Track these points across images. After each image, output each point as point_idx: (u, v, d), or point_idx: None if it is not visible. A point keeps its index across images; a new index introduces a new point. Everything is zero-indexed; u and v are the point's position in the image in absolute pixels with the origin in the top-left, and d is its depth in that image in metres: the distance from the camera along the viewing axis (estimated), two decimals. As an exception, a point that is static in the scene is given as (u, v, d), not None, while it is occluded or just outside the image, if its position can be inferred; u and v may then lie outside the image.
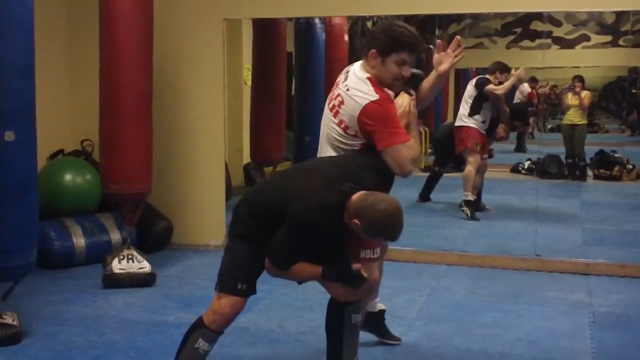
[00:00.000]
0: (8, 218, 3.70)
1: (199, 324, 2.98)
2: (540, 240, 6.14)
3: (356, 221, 2.71)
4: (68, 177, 5.53)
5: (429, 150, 9.91)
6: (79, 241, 5.31)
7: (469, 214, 7.06)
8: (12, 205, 3.70)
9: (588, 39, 10.69)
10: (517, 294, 4.82)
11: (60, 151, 5.92)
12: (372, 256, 3.14)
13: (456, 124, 7.40)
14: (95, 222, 5.48)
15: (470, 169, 7.20)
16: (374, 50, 3.03)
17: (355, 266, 2.86)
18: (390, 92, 3.09)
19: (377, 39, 3.09)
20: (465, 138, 7.23)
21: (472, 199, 7.18)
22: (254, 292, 2.99)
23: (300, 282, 3.07)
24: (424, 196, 7.98)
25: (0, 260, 3.70)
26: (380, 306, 3.76)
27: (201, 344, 2.94)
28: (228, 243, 3.03)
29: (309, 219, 2.76)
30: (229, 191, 6.76)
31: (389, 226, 2.74)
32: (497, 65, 7.31)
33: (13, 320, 3.83)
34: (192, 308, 4.25)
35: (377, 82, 3.04)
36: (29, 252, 3.84)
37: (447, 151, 7.90)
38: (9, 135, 3.63)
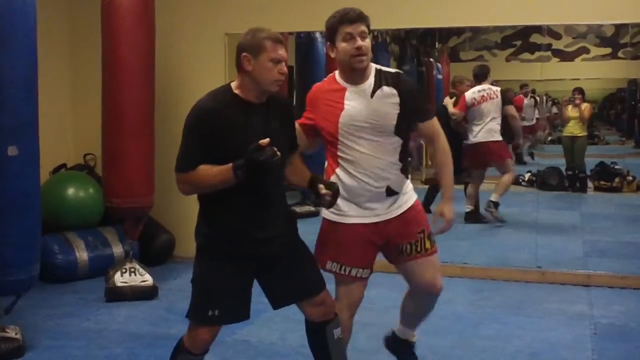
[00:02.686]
0: (11, 232, 3.72)
1: (180, 348, 2.90)
2: (541, 252, 6.14)
3: (245, 55, 2.73)
4: (71, 191, 5.56)
5: (430, 163, 9.93)
6: (82, 255, 5.33)
7: (495, 215, 7.25)
8: (15, 220, 3.73)
9: (587, 51, 10.73)
10: (518, 306, 4.84)
11: (63, 165, 5.95)
12: (336, 270, 3.08)
13: (494, 138, 7.43)
14: (98, 235, 5.50)
15: (511, 177, 7.51)
16: (328, 43, 3.03)
17: (263, 141, 2.60)
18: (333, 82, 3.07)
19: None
20: (505, 151, 7.51)
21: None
22: (240, 315, 2.88)
23: (211, 190, 2.77)
24: (425, 208, 7.98)
25: (3, 274, 3.72)
26: (413, 337, 3.57)
27: None
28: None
29: (192, 111, 2.80)
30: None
31: (260, 30, 2.76)
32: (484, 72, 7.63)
33: (16, 334, 3.85)
34: (194, 321, 4.26)
35: (336, 73, 3.07)
36: (32, 266, 3.87)
37: None
38: (12, 150, 3.66)
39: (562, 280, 5.40)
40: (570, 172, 10.05)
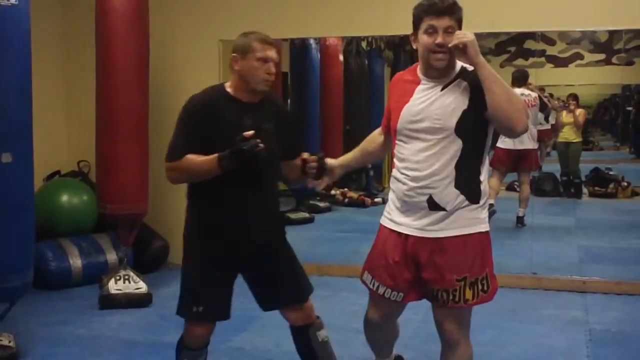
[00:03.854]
0: (5, 239, 3.71)
1: (180, 345, 3.02)
2: (536, 258, 6.14)
3: (234, 55, 2.87)
4: (64, 197, 5.55)
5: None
6: (76, 262, 5.31)
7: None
8: (9, 226, 3.72)
9: (581, 57, 10.76)
10: (513, 312, 4.83)
11: (57, 172, 5.94)
12: (368, 282, 2.89)
13: (533, 146, 7.63)
14: (92, 242, 5.48)
15: (529, 188, 7.79)
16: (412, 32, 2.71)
17: (248, 133, 2.68)
18: (410, 74, 2.79)
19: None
20: (537, 160, 7.85)
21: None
22: (220, 315, 2.95)
23: (196, 180, 2.87)
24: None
25: (-4, 281, 3.71)
26: None
27: None
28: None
29: (186, 104, 2.93)
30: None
31: (251, 33, 2.89)
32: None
33: (9, 342, 3.84)
34: (189, 328, 4.25)
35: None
36: (26, 272, 3.85)
37: None
38: (7, 157, 3.65)
39: (558, 286, 5.40)
40: (565, 178, 10.07)
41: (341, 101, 8.87)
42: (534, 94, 7.71)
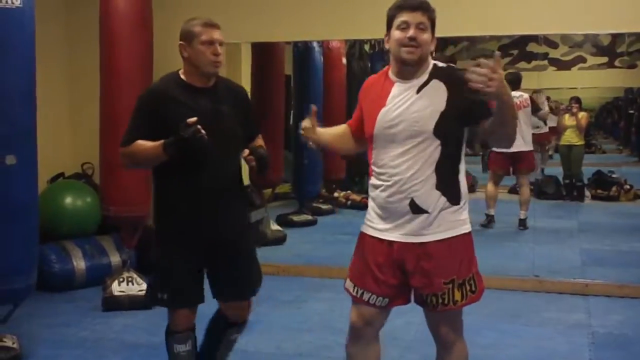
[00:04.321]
0: (8, 241, 3.71)
1: (167, 330, 3.04)
2: (538, 261, 6.14)
3: (181, 42, 2.92)
4: (68, 200, 5.56)
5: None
6: (79, 264, 5.32)
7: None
8: (13, 228, 3.72)
9: (584, 60, 10.79)
10: (515, 315, 4.83)
11: (61, 174, 5.95)
12: (350, 289, 2.80)
13: (529, 148, 7.66)
14: (95, 244, 5.49)
15: (529, 190, 7.89)
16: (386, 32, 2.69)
17: (191, 120, 2.71)
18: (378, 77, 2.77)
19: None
20: (534, 161, 7.90)
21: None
22: (187, 302, 2.97)
23: (148, 166, 3.03)
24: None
25: (0, 283, 3.71)
26: None
27: (177, 348, 3.00)
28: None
29: (142, 92, 3.02)
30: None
31: (193, 19, 2.95)
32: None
33: (13, 343, 3.84)
34: (192, 330, 4.25)
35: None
36: (29, 274, 3.86)
37: None
38: (11, 159, 3.66)
39: (560, 289, 5.39)
40: (567, 181, 10.08)
41: (344, 104, 8.89)
42: (526, 95, 7.78)
